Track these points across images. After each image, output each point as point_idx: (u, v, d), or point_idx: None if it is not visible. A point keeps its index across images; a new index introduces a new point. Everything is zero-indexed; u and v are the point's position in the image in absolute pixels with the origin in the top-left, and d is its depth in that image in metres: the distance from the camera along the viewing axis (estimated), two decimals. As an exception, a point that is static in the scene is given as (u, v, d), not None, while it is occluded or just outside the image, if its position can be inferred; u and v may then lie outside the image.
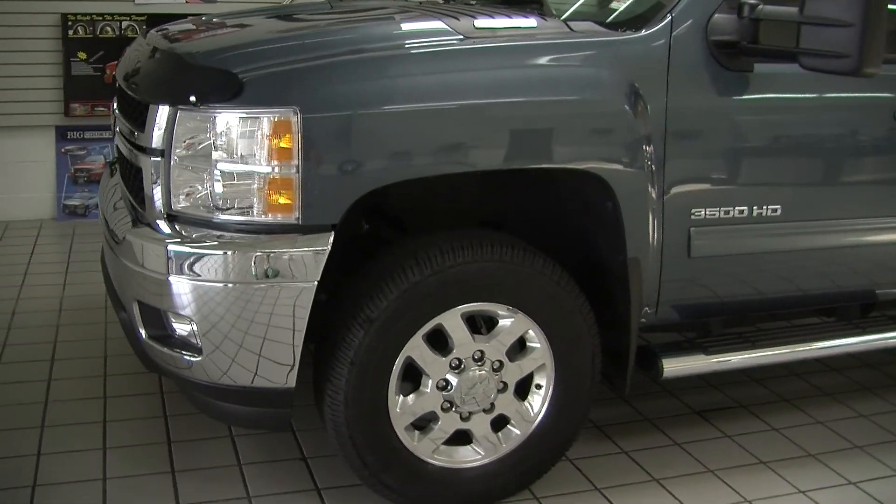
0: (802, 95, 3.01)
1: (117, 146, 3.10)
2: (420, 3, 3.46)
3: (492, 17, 2.84)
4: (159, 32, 3.21)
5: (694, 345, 3.13)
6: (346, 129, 2.41)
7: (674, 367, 3.02)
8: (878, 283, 3.42)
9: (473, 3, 3.61)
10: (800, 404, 3.77)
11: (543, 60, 2.66)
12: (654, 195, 2.74)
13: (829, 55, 2.60)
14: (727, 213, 2.89)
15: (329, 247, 2.43)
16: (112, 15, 6.02)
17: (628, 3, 3.09)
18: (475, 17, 2.79)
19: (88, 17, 5.97)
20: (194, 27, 3.32)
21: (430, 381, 2.69)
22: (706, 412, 3.67)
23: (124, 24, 6.03)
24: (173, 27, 3.35)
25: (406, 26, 2.89)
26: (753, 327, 3.50)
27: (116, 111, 3.12)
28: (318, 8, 3.68)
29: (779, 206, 2.97)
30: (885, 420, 3.67)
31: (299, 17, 3.37)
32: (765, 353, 3.17)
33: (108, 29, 6.01)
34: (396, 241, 2.85)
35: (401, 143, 2.47)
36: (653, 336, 3.35)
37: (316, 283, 2.44)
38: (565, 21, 2.86)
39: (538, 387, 2.85)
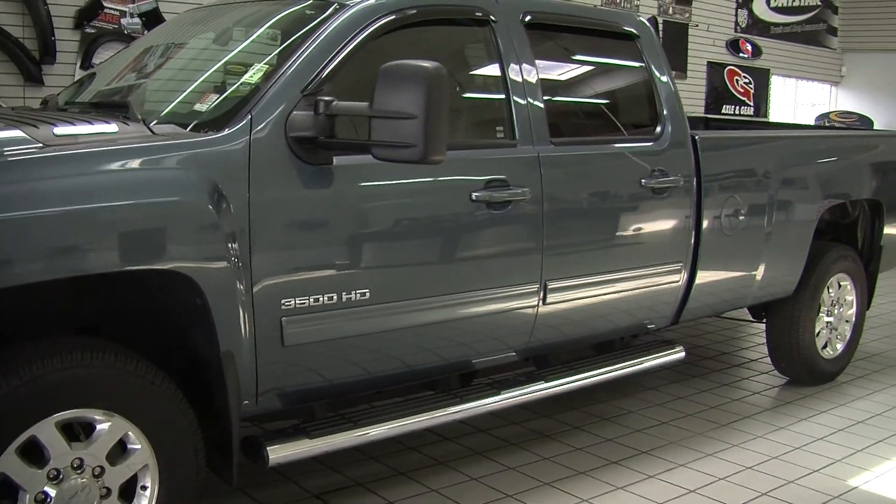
0: (383, 183, 3.70)
1: None
2: (12, 108, 3.83)
3: (72, 123, 3.30)
4: None
5: (298, 430, 3.69)
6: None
7: (279, 454, 3.56)
8: (474, 353, 4.21)
9: (65, 108, 4.08)
10: (414, 476, 4.48)
11: (123, 165, 3.11)
12: (242, 289, 3.28)
13: (397, 146, 3.31)
14: (316, 300, 3.51)
15: None
16: None
17: (213, 104, 3.64)
18: (55, 125, 3.24)
19: None
20: None
21: (28, 495, 2.99)
22: (324, 494, 4.26)
23: None
24: None
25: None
26: (367, 405, 4.20)
27: None
28: None
29: (367, 290, 3.64)
30: (493, 480, 4.47)
31: None
32: (366, 431, 3.80)
33: None
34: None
35: None
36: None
37: None
38: (148, 125, 3.39)
39: (143, 488, 3.25)
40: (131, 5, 7.38)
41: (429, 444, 4.87)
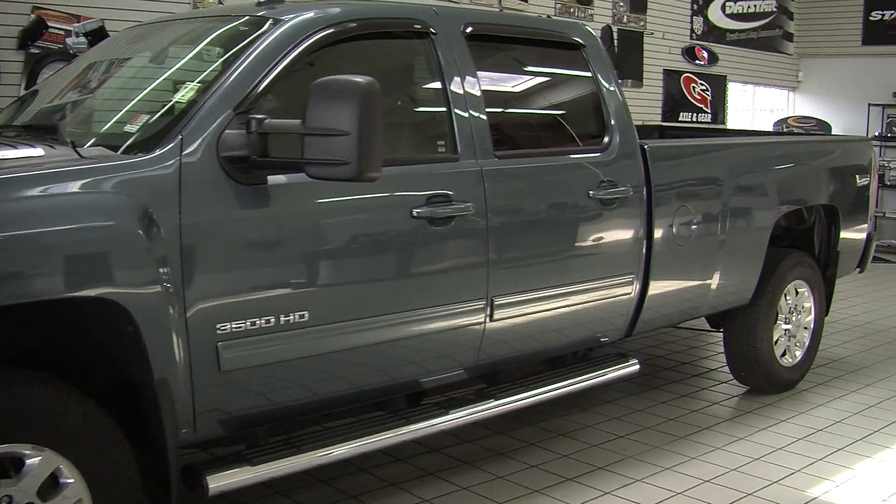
0: (320, 201, 3.63)
1: None
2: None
3: (-6, 148, 3.23)
4: None
5: (239, 457, 3.60)
6: None
7: (220, 482, 3.47)
8: (421, 372, 4.13)
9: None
10: (364, 499, 4.41)
11: (45, 190, 3.02)
12: (175, 315, 3.20)
13: (331, 163, 3.25)
14: (253, 324, 3.43)
15: None
16: None
17: (144, 124, 3.55)
18: (-24, 151, 3.16)
19: None
20: None
21: (-47, 536, 2.93)
22: (272, 521, 4.24)
23: None
24: None
25: None
26: (311, 429, 4.09)
27: None
28: None
29: (306, 312, 3.56)
30: (446, 501, 4.40)
31: None
32: (309, 456, 3.71)
33: None
34: None
35: None
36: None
37: None
38: (75, 148, 3.30)
39: (79, 523, 3.19)
40: (76, 24, 7.27)
41: (381, 465, 4.79)
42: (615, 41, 10.90)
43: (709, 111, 12.67)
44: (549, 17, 9.52)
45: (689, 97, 12.37)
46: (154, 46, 4.37)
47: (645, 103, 11.67)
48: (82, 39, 7.28)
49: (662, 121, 11.80)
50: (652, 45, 11.76)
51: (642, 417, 5.70)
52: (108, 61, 4.46)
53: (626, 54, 11.30)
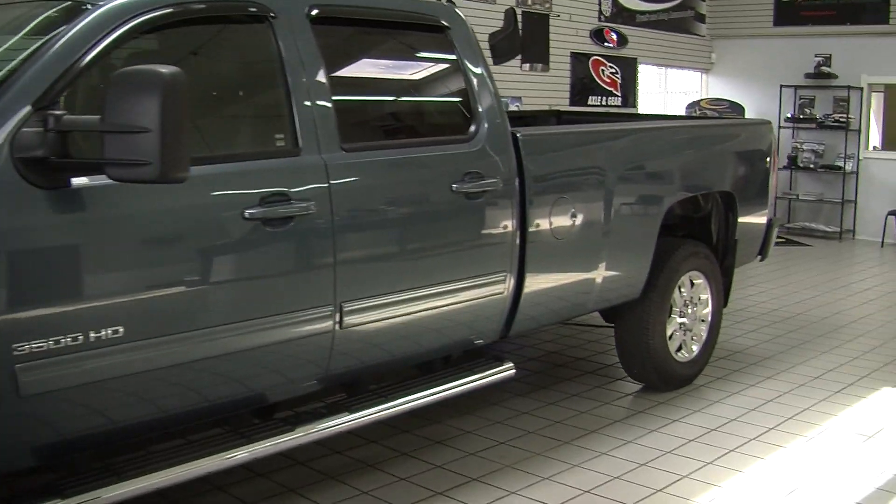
0: (134, 205, 3.29)
1: None
2: None
3: None
4: None
5: (50, 488, 3.29)
6: None
7: (24, 518, 3.20)
8: (264, 386, 3.84)
9: None
10: (216, 521, 4.18)
11: None
12: (-41, 336, 2.91)
13: (131, 163, 2.95)
14: (57, 342, 3.10)
15: None
16: None
17: None
18: None
19: None
20: None
21: None
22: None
23: None
24: None
25: None
26: (139, 453, 3.74)
27: None
28: None
29: (120, 327, 3.26)
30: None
31: None
32: (134, 483, 3.41)
33: None
34: None
35: None
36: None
37: None
38: None
39: None
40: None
41: (239, 481, 4.51)
42: (519, 23, 10.66)
43: (619, 94, 12.52)
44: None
45: (599, 80, 12.20)
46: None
47: (552, 87, 11.47)
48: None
49: (571, 105, 11.63)
50: (558, 28, 11.56)
51: (527, 421, 5.47)
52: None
53: (532, 37, 11.08)
